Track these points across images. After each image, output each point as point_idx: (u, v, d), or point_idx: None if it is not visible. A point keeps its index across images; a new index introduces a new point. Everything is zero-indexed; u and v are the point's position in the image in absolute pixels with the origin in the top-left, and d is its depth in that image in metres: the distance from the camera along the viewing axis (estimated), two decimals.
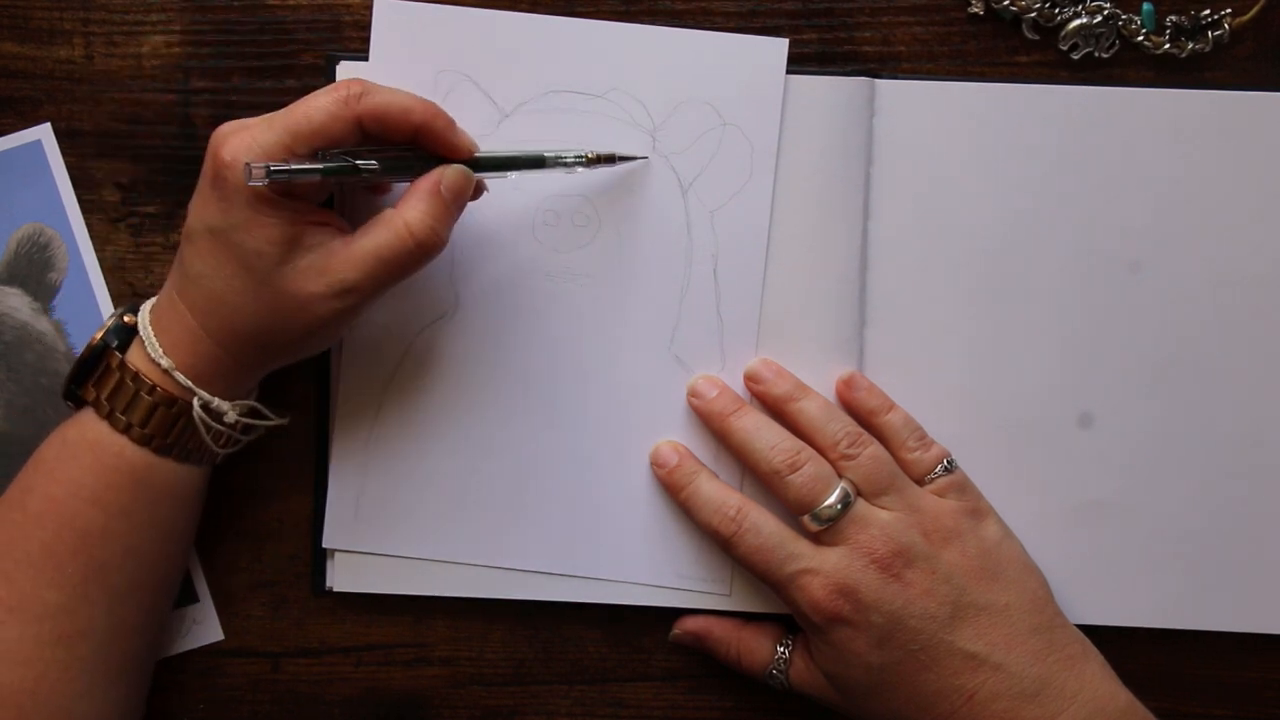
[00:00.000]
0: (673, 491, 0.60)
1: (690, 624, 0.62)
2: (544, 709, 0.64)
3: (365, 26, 0.61)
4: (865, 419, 0.60)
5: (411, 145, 0.56)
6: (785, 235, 0.61)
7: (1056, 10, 0.61)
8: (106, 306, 0.63)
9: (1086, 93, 0.61)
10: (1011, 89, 0.61)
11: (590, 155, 0.58)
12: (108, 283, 0.63)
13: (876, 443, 0.59)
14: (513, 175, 0.59)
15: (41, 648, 0.53)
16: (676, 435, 0.61)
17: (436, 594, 0.62)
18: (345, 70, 0.61)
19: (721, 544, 0.59)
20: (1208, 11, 0.61)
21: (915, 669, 0.55)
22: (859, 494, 0.57)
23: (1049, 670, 0.55)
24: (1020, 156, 0.62)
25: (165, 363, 0.55)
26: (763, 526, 0.58)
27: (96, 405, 0.55)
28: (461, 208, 0.56)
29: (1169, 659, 0.63)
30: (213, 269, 0.54)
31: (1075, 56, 0.62)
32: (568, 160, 0.58)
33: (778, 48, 0.61)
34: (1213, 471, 0.62)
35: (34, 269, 0.63)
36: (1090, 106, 0.61)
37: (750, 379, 0.61)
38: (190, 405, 0.55)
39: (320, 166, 0.52)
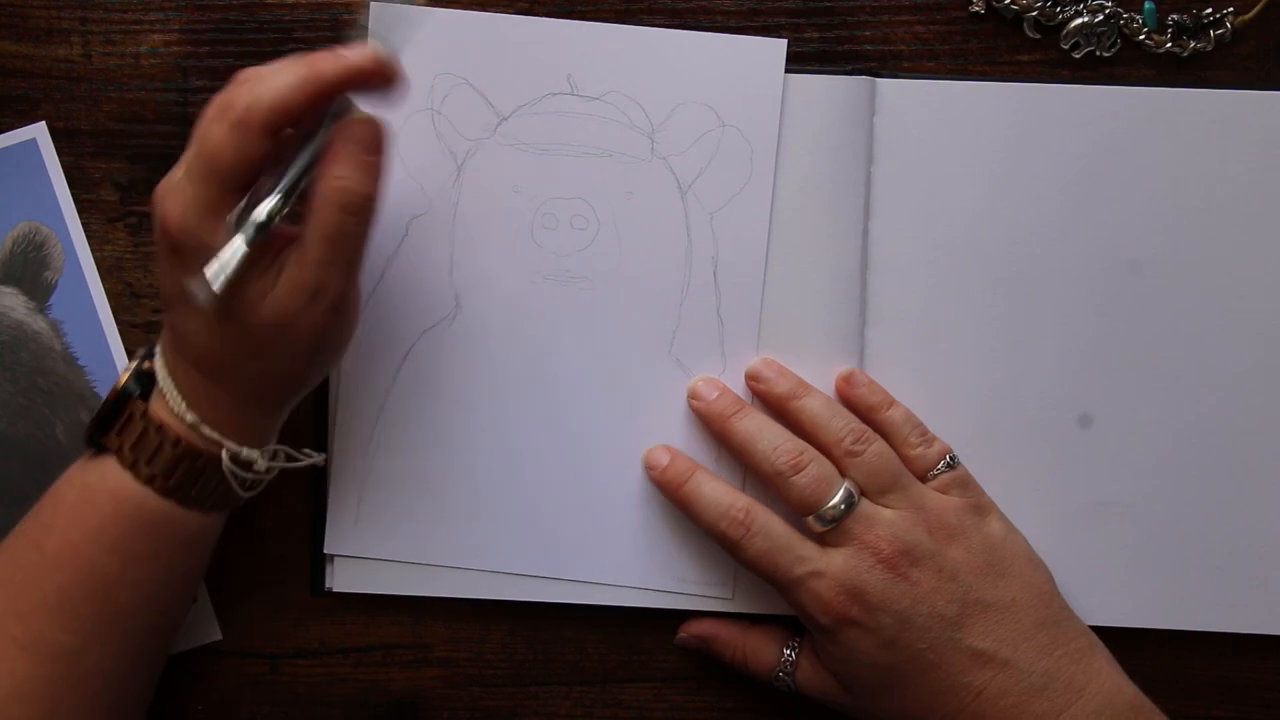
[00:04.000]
0: (669, 491, 0.60)
1: (696, 627, 0.62)
2: (543, 710, 0.64)
3: (364, 26, 0.61)
4: (866, 415, 0.60)
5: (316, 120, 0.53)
6: (785, 236, 0.61)
7: (1058, 9, 0.61)
8: (103, 306, 0.63)
9: (1088, 92, 0.61)
10: (1012, 88, 0.61)
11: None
12: (105, 282, 0.63)
13: (881, 440, 0.58)
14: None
15: (53, 686, 0.53)
16: (677, 438, 0.61)
17: (436, 595, 0.62)
18: None
19: (728, 546, 0.58)
20: (1209, 10, 0.61)
21: (923, 667, 0.55)
22: (863, 493, 0.57)
23: (1056, 665, 0.55)
24: (1021, 156, 0.61)
25: (190, 418, 0.54)
26: (771, 529, 0.57)
27: (119, 455, 0.54)
28: (379, 150, 0.52)
29: (1169, 659, 0.63)
30: (199, 326, 0.52)
31: (1077, 55, 0.62)
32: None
33: (776, 48, 0.61)
34: (1213, 472, 0.62)
35: (29, 268, 0.63)
36: (1091, 105, 0.61)
37: (751, 378, 0.61)
38: (218, 458, 0.54)
39: (244, 246, 0.50)
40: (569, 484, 0.62)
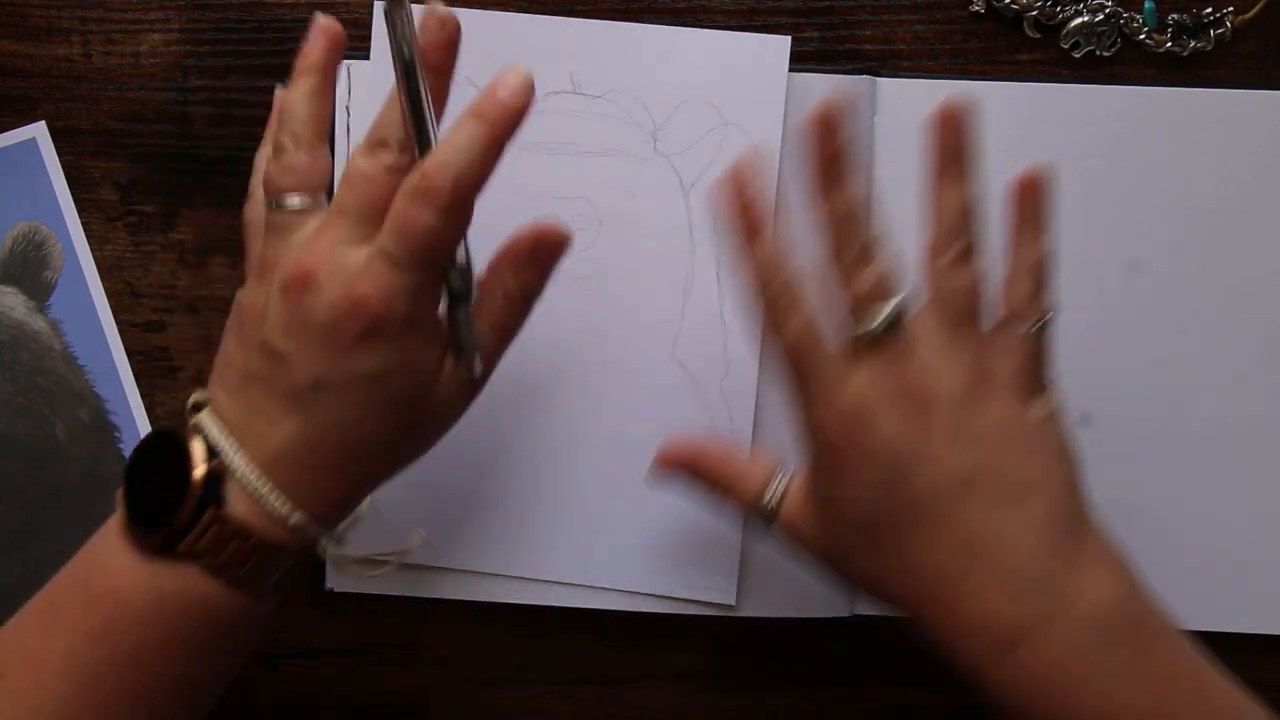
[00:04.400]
0: (737, 234, 0.51)
1: (679, 446, 0.55)
2: (543, 710, 0.64)
3: (365, 26, 0.61)
4: (1011, 228, 0.53)
5: None
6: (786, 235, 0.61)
7: (1058, 8, 0.61)
8: (103, 306, 0.63)
9: (1088, 91, 0.61)
10: (1013, 87, 0.61)
11: None
12: (104, 282, 0.63)
13: (981, 273, 0.51)
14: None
15: None
16: None
17: (437, 596, 0.62)
18: (345, 70, 0.60)
19: (770, 314, 0.50)
20: (1209, 10, 0.61)
21: (905, 531, 0.48)
22: (923, 313, 0.50)
23: (1052, 569, 0.47)
24: (1021, 155, 0.61)
25: (296, 519, 0.49)
26: (814, 312, 0.50)
27: (201, 561, 0.48)
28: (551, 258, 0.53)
29: None
30: (358, 416, 0.48)
31: (1077, 55, 0.62)
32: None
33: (780, 45, 0.60)
34: (1213, 472, 0.62)
35: (29, 267, 0.63)
36: (1091, 105, 0.61)
37: (940, 126, 0.52)
38: (312, 547, 0.51)
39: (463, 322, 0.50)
40: (570, 486, 0.62)
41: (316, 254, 0.47)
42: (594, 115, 0.61)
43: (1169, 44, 0.62)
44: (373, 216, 0.47)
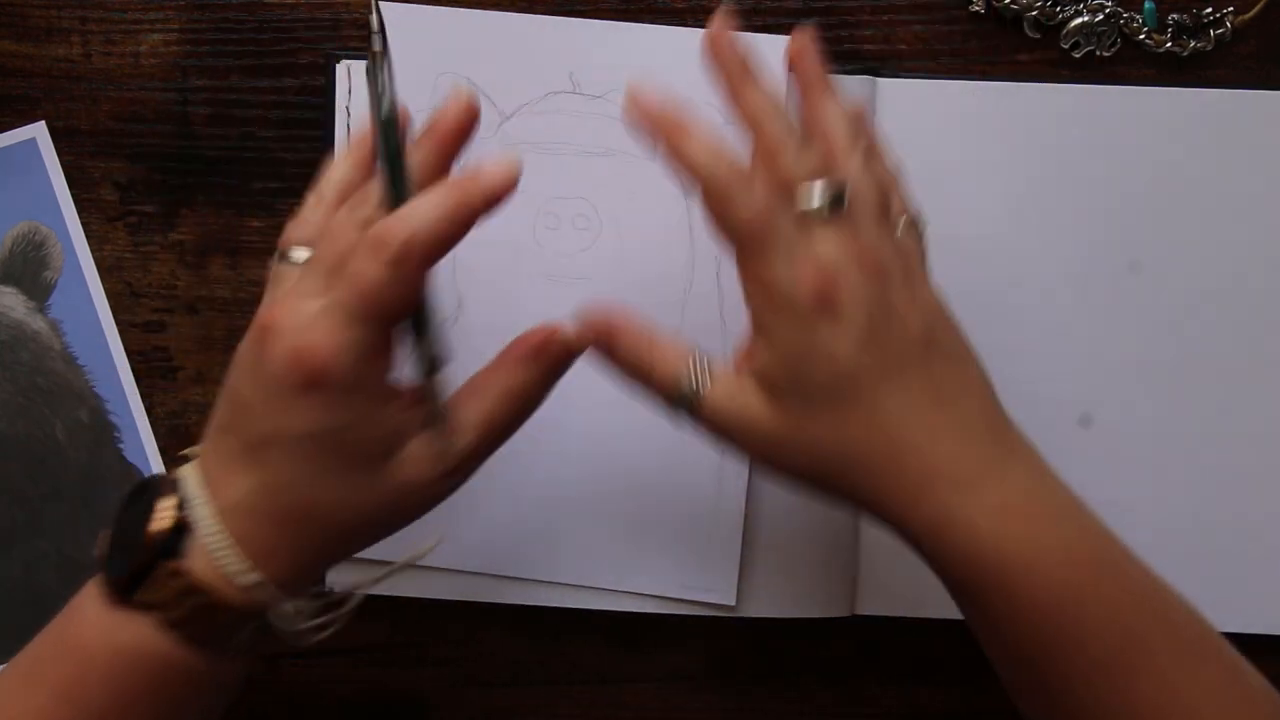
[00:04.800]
0: (662, 137, 0.51)
1: (596, 313, 0.52)
2: (543, 710, 0.64)
3: (365, 25, 0.61)
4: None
5: None
6: None
7: (1058, 9, 0.61)
8: (103, 306, 0.63)
9: (1088, 91, 0.61)
10: (1013, 87, 0.61)
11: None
12: (104, 282, 0.63)
13: (888, 163, 0.53)
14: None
15: None
16: (680, 443, 0.61)
17: (436, 596, 0.62)
18: (345, 70, 0.61)
19: (718, 198, 0.49)
20: (1209, 10, 0.61)
21: (882, 381, 0.49)
22: (850, 200, 0.50)
23: (999, 425, 0.50)
24: (1021, 155, 0.61)
25: (248, 579, 0.48)
26: (766, 189, 0.49)
27: (157, 615, 0.48)
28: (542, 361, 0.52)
29: None
30: (310, 475, 0.48)
31: (1076, 55, 0.62)
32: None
33: (780, 46, 0.60)
34: (1213, 472, 0.62)
35: (29, 267, 0.63)
36: (1091, 105, 0.61)
37: (795, 54, 0.54)
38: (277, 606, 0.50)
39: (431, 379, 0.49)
40: (569, 487, 0.62)
41: (283, 304, 0.47)
42: (594, 115, 0.61)
43: (1169, 44, 0.62)
44: (336, 268, 0.47)
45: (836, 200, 0.49)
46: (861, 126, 0.52)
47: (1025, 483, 0.49)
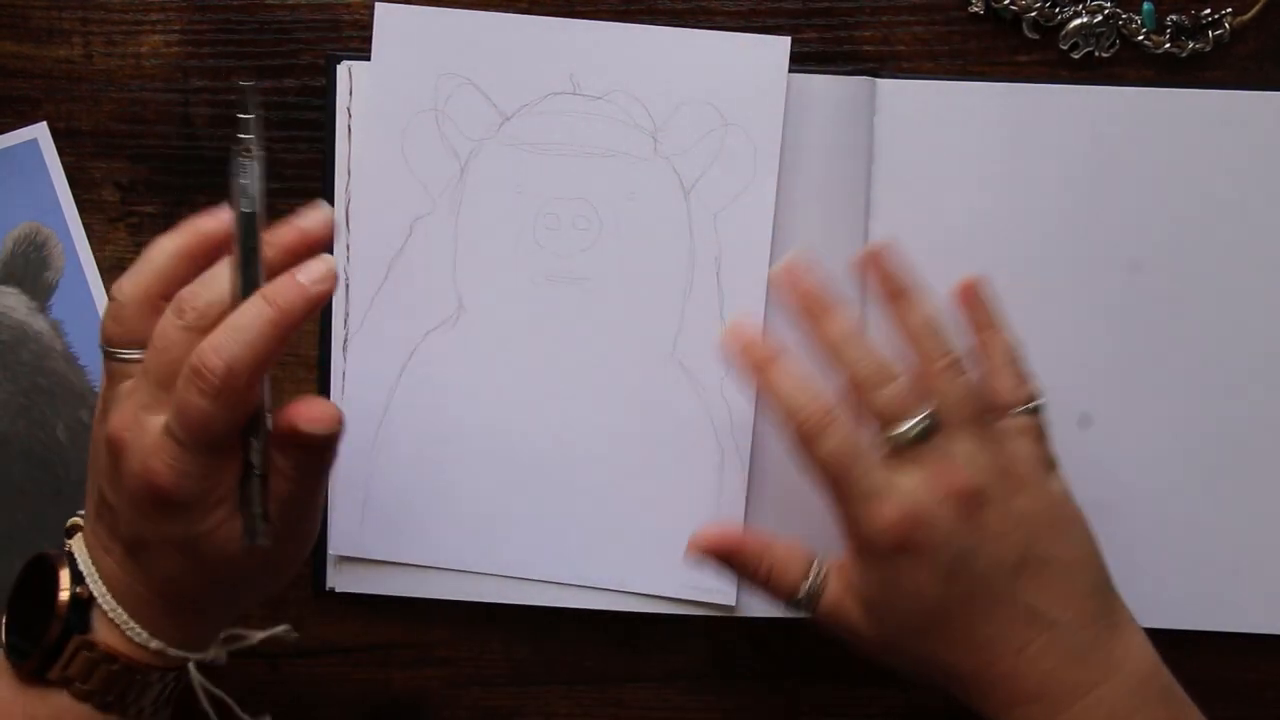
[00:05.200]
0: (756, 371, 0.55)
1: (714, 537, 0.56)
2: (543, 710, 0.64)
3: (365, 26, 0.61)
4: (973, 330, 0.58)
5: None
6: (786, 235, 0.61)
7: (1057, 9, 0.61)
8: (104, 306, 0.63)
9: (1087, 92, 0.61)
10: (1012, 88, 0.61)
11: None
12: (105, 282, 0.63)
13: (969, 376, 0.55)
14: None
15: None
16: (681, 443, 0.61)
17: (437, 596, 0.62)
18: (346, 70, 0.61)
19: (803, 438, 0.53)
20: (1208, 11, 0.61)
21: (970, 613, 0.52)
22: (943, 420, 0.53)
23: (1098, 635, 0.53)
24: (1020, 156, 0.62)
25: (154, 645, 0.51)
26: (851, 430, 0.53)
27: (71, 688, 0.50)
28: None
29: (1169, 659, 0.63)
30: (182, 570, 0.50)
31: (1075, 56, 0.62)
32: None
33: (780, 47, 0.61)
34: (1213, 472, 0.62)
35: (30, 268, 0.63)
36: (1090, 106, 0.61)
37: (869, 264, 0.57)
38: (182, 667, 0.53)
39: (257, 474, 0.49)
40: (569, 486, 0.62)
41: (123, 419, 0.49)
42: (594, 116, 0.61)
43: (1167, 45, 0.62)
44: (168, 380, 0.48)
45: (925, 431, 0.53)
46: (940, 331, 0.55)
47: (1112, 701, 0.52)
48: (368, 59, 0.61)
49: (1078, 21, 0.61)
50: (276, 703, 0.64)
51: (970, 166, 0.61)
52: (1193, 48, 0.62)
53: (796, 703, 0.63)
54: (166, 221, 0.63)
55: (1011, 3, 0.61)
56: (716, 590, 0.61)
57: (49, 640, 0.50)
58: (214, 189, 0.63)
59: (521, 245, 0.61)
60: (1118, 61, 0.62)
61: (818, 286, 0.56)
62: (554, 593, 0.62)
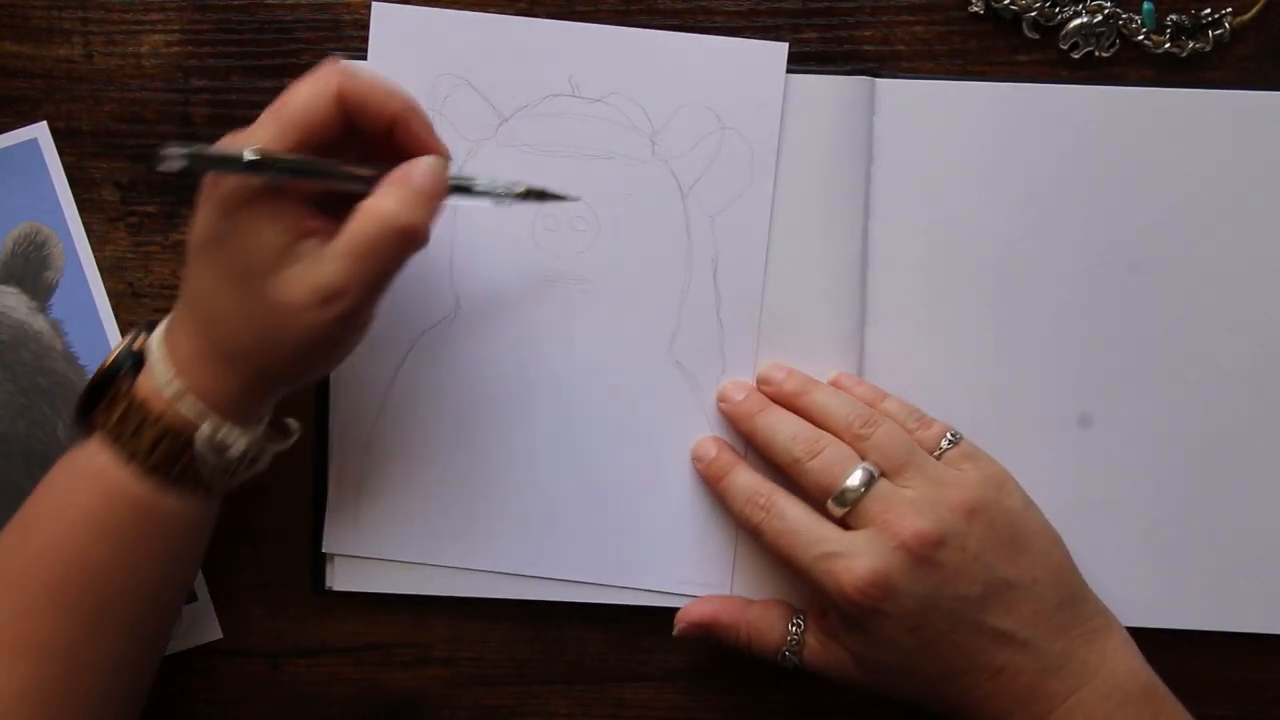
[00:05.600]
0: (711, 483, 0.61)
1: (695, 613, 0.60)
2: (544, 709, 0.64)
3: (365, 26, 0.61)
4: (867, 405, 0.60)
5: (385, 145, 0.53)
6: (785, 235, 0.61)
7: (1057, 9, 0.61)
8: (104, 306, 0.63)
9: (1087, 92, 0.61)
10: (1012, 88, 0.61)
11: (520, 190, 0.56)
12: (105, 282, 0.63)
13: (889, 420, 0.58)
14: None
15: (54, 686, 0.52)
16: (676, 441, 0.61)
17: (436, 594, 0.62)
18: None
19: (751, 531, 0.58)
20: (1208, 11, 0.61)
21: (945, 648, 0.55)
22: (881, 474, 0.56)
23: (1071, 645, 0.55)
24: (1020, 156, 0.61)
25: (174, 387, 0.52)
26: (788, 511, 0.57)
27: (104, 432, 0.53)
28: (439, 199, 0.53)
29: (1169, 659, 0.63)
30: (209, 284, 0.52)
31: (1075, 56, 0.62)
32: (498, 192, 0.56)
33: (777, 51, 0.61)
34: (1213, 471, 0.62)
35: (30, 268, 0.63)
36: (1090, 106, 0.61)
37: (762, 382, 0.61)
38: (214, 438, 0.53)
39: (242, 156, 0.49)
40: (568, 485, 0.62)
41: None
42: (593, 118, 0.61)
43: (1168, 45, 0.62)
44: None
45: (864, 484, 0.56)
46: (848, 402, 0.59)
47: (1090, 704, 0.55)
48: (365, 59, 0.61)
49: (1078, 21, 0.61)
50: (276, 702, 0.64)
51: (970, 166, 0.61)
52: (1193, 47, 0.62)
53: (796, 701, 0.63)
54: (166, 221, 0.63)
55: (1011, 3, 0.61)
56: (713, 586, 0.62)
57: (96, 379, 0.54)
58: None
59: (519, 246, 0.61)
60: (1118, 61, 0.62)
61: (739, 404, 0.60)
62: (553, 589, 0.62)
